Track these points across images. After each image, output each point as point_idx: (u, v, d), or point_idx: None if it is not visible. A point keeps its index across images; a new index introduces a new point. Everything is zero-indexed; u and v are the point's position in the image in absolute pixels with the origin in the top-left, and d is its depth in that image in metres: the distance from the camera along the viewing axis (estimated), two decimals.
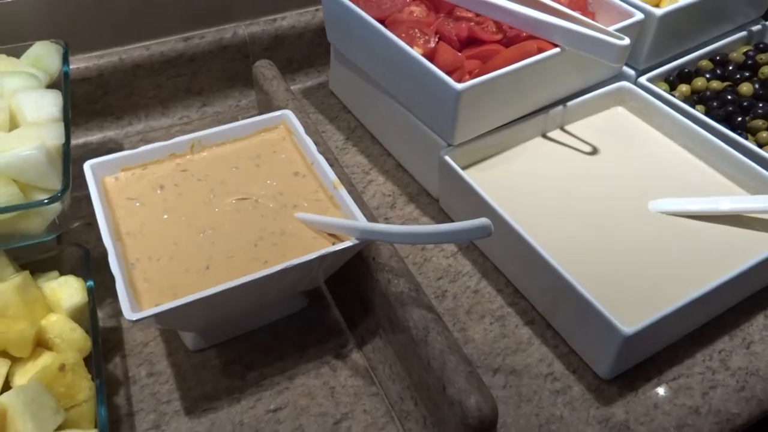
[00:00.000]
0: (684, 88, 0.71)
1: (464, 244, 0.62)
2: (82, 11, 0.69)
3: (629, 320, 0.48)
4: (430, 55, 0.61)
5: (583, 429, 0.49)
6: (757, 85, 0.71)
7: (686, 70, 0.73)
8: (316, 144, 0.58)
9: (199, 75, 0.76)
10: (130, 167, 0.55)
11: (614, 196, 0.61)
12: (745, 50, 0.77)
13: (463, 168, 0.63)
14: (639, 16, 0.66)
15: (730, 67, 0.74)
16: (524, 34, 0.63)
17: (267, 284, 0.46)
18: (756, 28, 0.79)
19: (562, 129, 0.68)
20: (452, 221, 0.64)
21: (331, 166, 0.56)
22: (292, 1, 0.77)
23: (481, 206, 0.57)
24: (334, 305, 0.57)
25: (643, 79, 0.70)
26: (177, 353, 0.53)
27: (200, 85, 0.76)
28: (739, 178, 0.62)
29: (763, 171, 0.60)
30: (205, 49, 0.74)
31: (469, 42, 0.64)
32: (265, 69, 0.70)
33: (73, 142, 0.72)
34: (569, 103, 0.67)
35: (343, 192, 0.52)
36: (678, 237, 0.58)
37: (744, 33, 0.78)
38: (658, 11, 0.67)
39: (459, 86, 0.56)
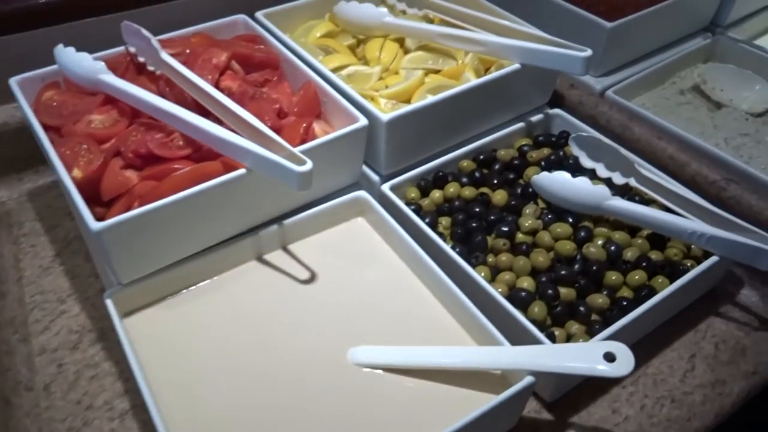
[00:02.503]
0: (437, 194, 0.63)
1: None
2: None
3: None
4: (95, 177, 0.52)
5: None
6: (519, 190, 0.63)
7: (440, 174, 0.64)
8: None
9: None
10: None
11: (313, 341, 0.52)
12: (521, 144, 0.69)
13: (149, 303, 0.54)
14: (362, 122, 0.57)
15: (497, 167, 0.66)
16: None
17: None
18: (536, 118, 0.71)
19: (285, 249, 0.59)
20: None
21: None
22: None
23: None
24: None
25: (385, 187, 0.61)
26: None
27: None
28: (465, 321, 0.53)
29: (485, 320, 0.50)
30: None
31: (156, 158, 0.54)
32: None
33: None
34: (287, 222, 0.58)
35: None
36: (364, 400, 0.48)
37: (522, 124, 0.70)
38: (385, 117, 0.58)
39: (95, 226, 0.47)
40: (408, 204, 0.62)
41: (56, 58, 0.58)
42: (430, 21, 0.75)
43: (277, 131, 0.57)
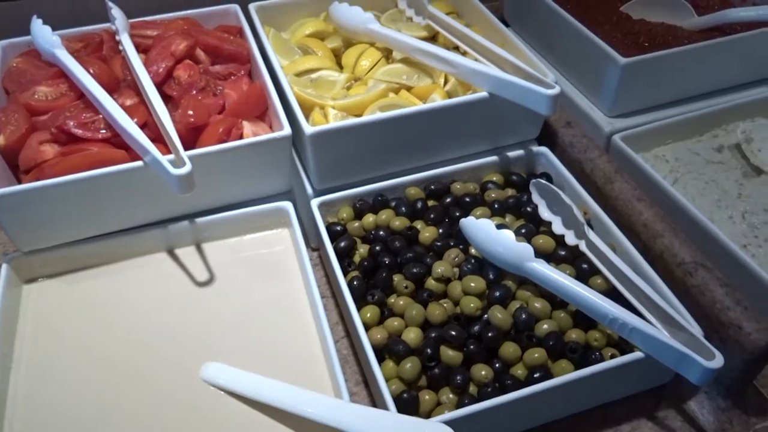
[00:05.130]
0: (370, 219, 0.59)
1: None
2: None
3: None
4: (17, 146, 0.54)
5: None
6: (454, 231, 0.57)
7: (380, 197, 0.60)
8: None
9: None
10: None
11: (179, 345, 0.51)
12: (488, 180, 0.62)
13: (51, 275, 0.56)
14: (283, 132, 0.55)
15: (447, 200, 0.60)
16: None
17: None
18: (515, 153, 0.63)
19: (198, 247, 0.58)
20: None
21: None
22: None
23: None
24: None
25: (314, 202, 0.58)
26: None
27: None
28: (328, 365, 0.49)
29: (337, 368, 0.46)
30: None
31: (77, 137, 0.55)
32: None
33: None
34: (199, 220, 0.57)
35: None
36: (192, 415, 0.47)
37: (496, 158, 0.63)
38: (309, 130, 0.55)
39: None
40: (335, 224, 0.58)
41: (31, 29, 0.62)
42: (433, 34, 0.70)
43: (202, 128, 0.56)
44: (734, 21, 0.70)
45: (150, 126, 0.56)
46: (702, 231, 0.57)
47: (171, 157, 0.51)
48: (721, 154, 0.69)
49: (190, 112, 0.56)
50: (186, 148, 0.53)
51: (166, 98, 0.59)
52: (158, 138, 0.54)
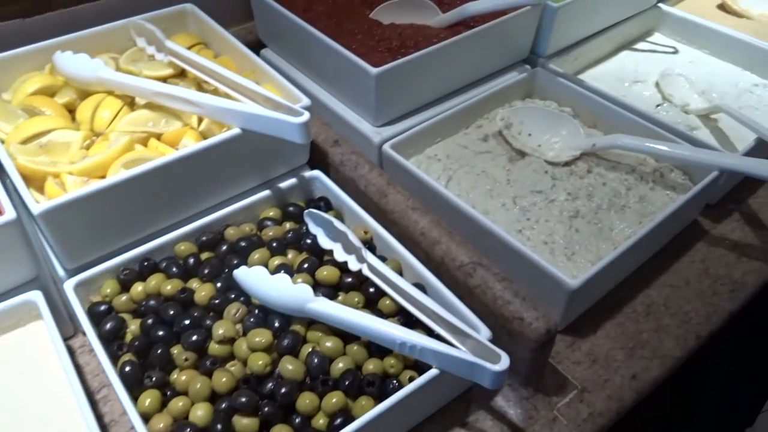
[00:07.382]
0: (138, 289, 0.53)
1: None
2: None
3: None
4: None
5: None
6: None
7: (147, 262, 0.53)
8: None
9: None
10: None
11: None
12: (265, 217, 0.59)
13: None
14: (8, 216, 0.47)
15: (223, 248, 0.56)
16: None
17: None
18: (288, 183, 0.61)
19: None
20: None
21: None
22: None
23: None
24: None
25: (68, 285, 0.51)
26: None
27: None
28: None
29: None
30: None
31: None
32: None
33: None
34: None
35: None
36: None
37: (269, 192, 0.60)
38: (37, 209, 0.47)
39: None
40: (98, 304, 0.51)
41: None
42: (180, 71, 0.64)
43: None
44: (474, 14, 0.72)
45: None
46: (477, 226, 0.58)
47: None
48: (487, 143, 0.71)
49: None
50: None
51: None
52: None
